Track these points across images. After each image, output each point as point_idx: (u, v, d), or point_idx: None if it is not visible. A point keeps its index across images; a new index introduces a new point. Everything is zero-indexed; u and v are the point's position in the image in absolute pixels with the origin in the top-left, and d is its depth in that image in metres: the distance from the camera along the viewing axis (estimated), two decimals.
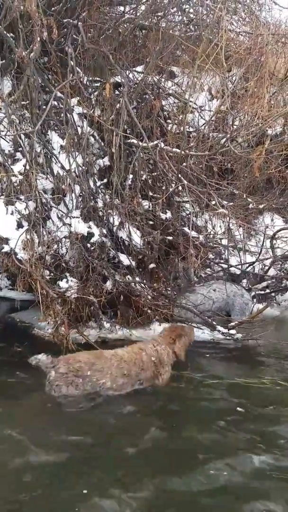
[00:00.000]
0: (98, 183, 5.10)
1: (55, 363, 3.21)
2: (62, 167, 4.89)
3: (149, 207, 4.91)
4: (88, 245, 4.42)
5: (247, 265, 5.56)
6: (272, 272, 6.26)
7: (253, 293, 5.87)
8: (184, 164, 4.73)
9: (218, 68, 6.22)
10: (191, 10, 7.37)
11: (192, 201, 4.44)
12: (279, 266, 6.36)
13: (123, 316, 4.63)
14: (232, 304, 5.02)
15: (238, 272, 5.71)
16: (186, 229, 4.67)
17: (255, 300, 5.54)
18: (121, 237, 4.74)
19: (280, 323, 5.28)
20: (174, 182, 4.47)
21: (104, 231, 4.55)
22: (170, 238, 4.76)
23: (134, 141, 4.90)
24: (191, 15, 7.33)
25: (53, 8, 5.18)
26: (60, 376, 3.16)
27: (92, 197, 4.80)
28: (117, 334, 4.50)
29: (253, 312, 4.86)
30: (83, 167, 4.86)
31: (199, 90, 7.12)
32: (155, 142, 4.69)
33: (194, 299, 4.81)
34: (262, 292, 5.72)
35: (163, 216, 4.85)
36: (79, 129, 5.02)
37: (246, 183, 5.19)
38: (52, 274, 4.49)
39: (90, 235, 4.46)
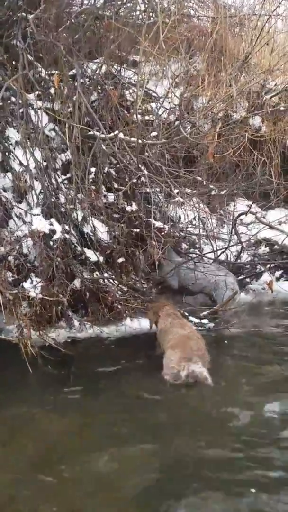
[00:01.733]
0: (61, 178, 4.96)
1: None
2: (21, 164, 4.74)
3: (114, 200, 4.78)
4: (51, 243, 4.26)
5: (219, 252, 5.48)
6: (246, 258, 6.22)
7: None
8: (147, 154, 4.61)
9: (177, 54, 6.14)
10: None
11: (156, 191, 4.32)
12: (252, 251, 6.32)
13: (93, 314, 4.51)
14: (215, 289, 4.90)
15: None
16: (152, 220, 4.55)
17: None
18: (87, 233, 4.61)
19: (254, 310, 5.22)
20: (134, 173, 4.35)
21: (67, 227, 4.40)
22: (137, 230, 4.63)
23: (95, 133, 4.76)
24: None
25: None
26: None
27: (53, 193, 4.65)
28: (87, 333, 4.38)
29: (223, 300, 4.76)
30: (42, 163, 4.70)
31: (162, 77, 7.03)
32: (114, 133, 4.55)
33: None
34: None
35: (128, 208, 4.72)
36: (38, 124, 4.87)
37: (210, 170, 5.10)
38: (15, 275, 4.34)
39: (52, 232, 4.30)
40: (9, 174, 4.77)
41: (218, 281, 4.83)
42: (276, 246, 6.21)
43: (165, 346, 3.71)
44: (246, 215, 5.78)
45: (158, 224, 4.53)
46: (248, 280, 6.01)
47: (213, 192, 5.19)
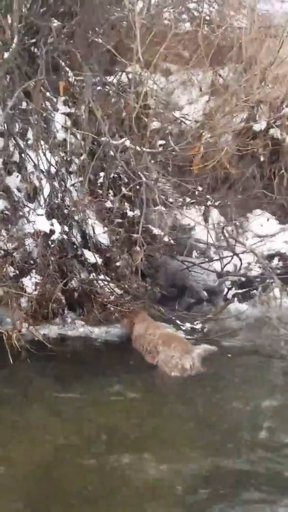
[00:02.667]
0: (73, 181, 5.15)
1: None
2: (35, 165, 4.98)
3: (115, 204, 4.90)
4: (50, 242, 4.46)
5: (225, 261, 5.44)
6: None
7: (233, 292, 5.75)
8: (153, 162, 4.70)
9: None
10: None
11: (154, 198, 4.39)
12: (264, 264, 6.19)
13: (88, 314, 4.65)
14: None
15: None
16: (150, 226, 4.63)
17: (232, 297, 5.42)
18: (88, 235, 4.77)
19: (249, 322, 5.14)
20: (133, 179, 4.45)
21: (66, 228, 4.57)
22: (136, 235, 4.72)
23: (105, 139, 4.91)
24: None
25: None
26: None
27: (61, 195, 4.85)
28: (78, 332, 4.52)
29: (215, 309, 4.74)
30: (53, 165, 4.91)
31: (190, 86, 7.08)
32: (122, 140, 4.68)
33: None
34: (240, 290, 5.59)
35: (130, 213, 4.82)
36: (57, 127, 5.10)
37: (208, 180, 5.09)
38: (16, 271, 4.57)
39: (52, 232, 4.50)
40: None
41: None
42: None
43: (151, 347, 3.78)
44: (227, 226, 5.69)
45: (156, 230, 4.60)
46: (256, 293, 5.91)
47: (208, 203, 5.17)
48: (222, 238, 5.98)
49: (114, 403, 3.42)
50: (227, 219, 6.23)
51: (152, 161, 4.68)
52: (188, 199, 4.77)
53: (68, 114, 5.26)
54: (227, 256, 5.25)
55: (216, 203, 5.16)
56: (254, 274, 5.89)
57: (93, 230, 4.66)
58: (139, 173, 4.18)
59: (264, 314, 5.51)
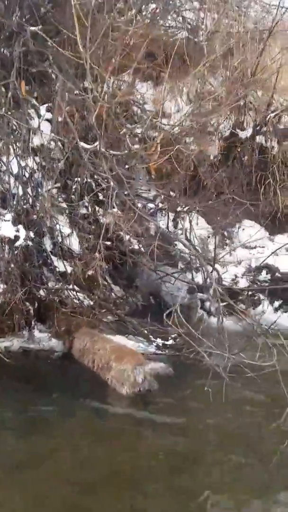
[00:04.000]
0: (49, 187, 4.97)
1: None
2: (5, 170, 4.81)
3: (90, 210, 4.69)
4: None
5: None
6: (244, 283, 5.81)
7: (216, 306, 5.43)
8: (127, 166, 4.49)
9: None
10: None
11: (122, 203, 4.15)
12: (251, 277, 5.90)
13: (53, 326, 4.39)
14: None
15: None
16: (122, 233, 4.38)
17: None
18: (58, 242, 4.54)
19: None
20: (100, 184, 4.24)
21: (32, 234, 4.35)
22: (108, 243, 4.48)
23: (84, 145, 4.75)
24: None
25: None
26: None
27: (32, 200, 4.65)
28: (40, 345, 4.24)
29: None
30: (24, 171, 4.73)
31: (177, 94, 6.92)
32: (94, 145, 4.48)
33: None
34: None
35: (102, 220, 4.59)
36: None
37: (181, 185, 4.85)
38: None
39: (16, 238, 4.28)
40: None
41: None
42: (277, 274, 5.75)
43: (103, 363, 3.52)
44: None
45: (127, 238, 4.36)
46: (244, 307, 5.60)
47: (178, 208, 4.91)
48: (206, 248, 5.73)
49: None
50: (215, 228, 6.01)
51: (127, 166, 4.45)
52: (160, 205, 4.53)
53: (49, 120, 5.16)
54: (199, 267, 4.92)
55: (185, 209, 4.87)
56: (240, 287, 5.60)
57: (61, 237, 4.42)
58: (109, 177, 3.96)
59: (247, 328, 5.20)
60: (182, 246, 5.24)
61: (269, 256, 5.43)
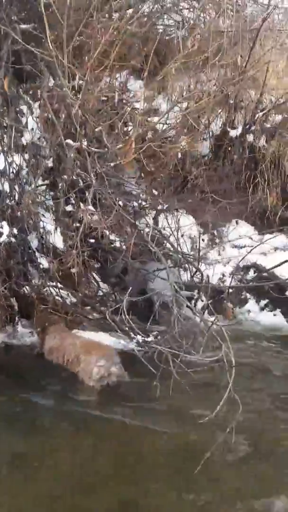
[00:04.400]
0: (37, 184, 5.00)
1: None
2: None
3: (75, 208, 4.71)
4: None
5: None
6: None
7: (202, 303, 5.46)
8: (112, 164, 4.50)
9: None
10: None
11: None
12: (239, 276, 5.91)
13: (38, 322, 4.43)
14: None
15: None
16: (106, 231, 4.41)
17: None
18: (42, 239, 4.58)
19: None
20: (84, 181, 4.26)
21: (15, 231, 4.38)
22: (92, 241, 4.51)
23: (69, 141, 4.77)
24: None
25: None
26: None
27: (18, 197, 4.69)
28: (22, 340, 4.29)
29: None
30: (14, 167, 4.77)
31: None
32: (78, 143, 4.50)
33: None
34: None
35: (88, 218, 4.61)
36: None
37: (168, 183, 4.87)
38: None
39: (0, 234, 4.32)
40: None
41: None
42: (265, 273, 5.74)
43: (73, 357, 3.56)
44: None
45: (113, 236, 4.39)
46: (230, 305, 5.62)
47: (159, 207, 4.92)
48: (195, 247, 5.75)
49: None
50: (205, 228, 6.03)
51: (112, 164, 4.46)
52: (144, 203, 4.55)
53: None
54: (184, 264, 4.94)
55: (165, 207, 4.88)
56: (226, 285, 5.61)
57: (45, 233, 4.46)
58: (87, 174, 3.99)
59: (232, 327, 5.22)
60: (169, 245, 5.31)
61: (248, 254, 5.41)
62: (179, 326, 4.06)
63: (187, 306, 4.54)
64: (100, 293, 4.79)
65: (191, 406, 3.43)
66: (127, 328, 4.36)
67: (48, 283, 4.38)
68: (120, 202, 4.17)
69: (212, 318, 5.25)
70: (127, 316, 3.78)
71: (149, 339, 4.27)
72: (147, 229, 4.74)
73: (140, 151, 3.65)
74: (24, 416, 3.29)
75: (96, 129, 4.00)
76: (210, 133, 5.95)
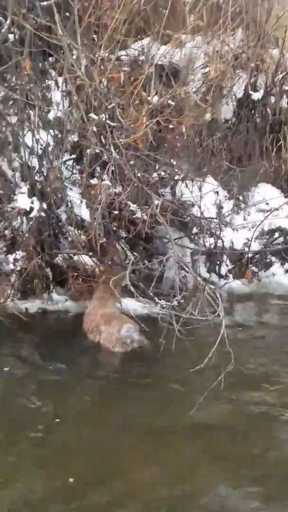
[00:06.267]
0: (65, 158, 5.24)
1: None
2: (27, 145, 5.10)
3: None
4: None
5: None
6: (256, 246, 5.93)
7: (229, 267, 5.65)
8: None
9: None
10: None
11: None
12: (264, 240, 6.00)
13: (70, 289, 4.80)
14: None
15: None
16: (129, 203, 4.63)
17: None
18: (70, 212, 4.87)
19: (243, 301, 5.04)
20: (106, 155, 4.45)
21: (45, 205, 4.69)
22: (116, 212, 4.75)
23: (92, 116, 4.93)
24: None
25: None
26: None
27: (46, 173, 4.95)
28: (58, 306, 4.68)
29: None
30: (39, 144, 5.01)
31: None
32: (101, 116, 4.66)
33: None
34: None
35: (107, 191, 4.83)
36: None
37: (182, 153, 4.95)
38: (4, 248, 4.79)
39: (31, 209, 4.65)
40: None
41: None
42: None
43: (93, 326, 3.95)
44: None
45: (134, 207, 4.61)
46: (255, 270, 5.78)
47: (176, 177, 5.03)
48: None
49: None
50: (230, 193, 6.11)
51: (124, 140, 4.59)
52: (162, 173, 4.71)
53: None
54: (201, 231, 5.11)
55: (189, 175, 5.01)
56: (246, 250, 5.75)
57: (71, 206, 4.74)
58: (111, 147, 4.18)
59: (256, 291, 5.41)
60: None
61: (267, 217, 5.45)
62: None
63: (186, 271, 4.70)
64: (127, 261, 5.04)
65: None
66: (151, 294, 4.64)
67: (78, 252, 4.69)
68: (139, 174, 4.34)
69: (237, 282, 5.55)
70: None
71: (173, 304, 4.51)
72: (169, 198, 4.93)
73: (154, 120, 3.76)
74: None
75: (109, 106, 4.14)
76: (233, 97, 5.90)
